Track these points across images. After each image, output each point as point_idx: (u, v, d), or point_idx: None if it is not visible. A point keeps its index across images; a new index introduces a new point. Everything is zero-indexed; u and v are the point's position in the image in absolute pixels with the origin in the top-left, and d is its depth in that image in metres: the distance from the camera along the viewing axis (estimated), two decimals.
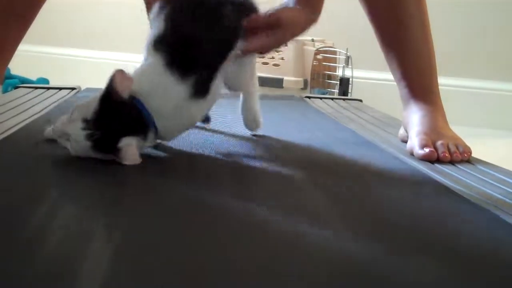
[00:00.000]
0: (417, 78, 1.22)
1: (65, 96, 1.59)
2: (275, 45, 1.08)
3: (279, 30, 1.04)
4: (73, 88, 1.72)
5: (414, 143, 1.11)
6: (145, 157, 0.91)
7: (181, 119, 0.95)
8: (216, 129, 1.20)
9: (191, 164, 0.97)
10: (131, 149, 0.87)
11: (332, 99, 1.91)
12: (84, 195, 0.79)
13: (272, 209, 0.74)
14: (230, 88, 1.09)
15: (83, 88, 1.76)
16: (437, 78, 1.22)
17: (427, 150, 1.07)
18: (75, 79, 2.07)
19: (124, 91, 0.86)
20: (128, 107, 0.87)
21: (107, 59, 2.92)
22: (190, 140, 1.08)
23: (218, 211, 0.72)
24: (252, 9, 1.03)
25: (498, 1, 2.56)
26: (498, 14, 2.57)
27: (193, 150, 1.03)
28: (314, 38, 2.43)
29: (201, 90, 0.93)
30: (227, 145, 1.09)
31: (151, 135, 0.91)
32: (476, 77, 2.61)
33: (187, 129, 1.02)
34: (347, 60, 2.31)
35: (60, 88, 1.71)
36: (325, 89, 2.37)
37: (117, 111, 0.87)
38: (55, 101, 1.48)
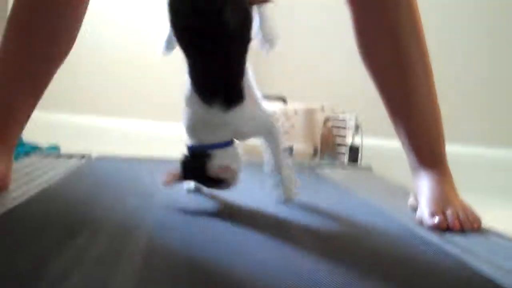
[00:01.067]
0: (425, 147, 1.22)
1: (75, 164, 1.60)
2: None
3: None
4: (83, 156, 1.73)
5: (424, 211, 1.10)
6: None
7: None
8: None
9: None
10: None
11: (342, 167, 1.91)
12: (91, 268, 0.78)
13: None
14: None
15: (93, 155, 1.77)
16: (444, 146, 1.22)
17: (437, 219, 1.07)
18: (86, 145, 2.09)
19: None
20: None
21: (117, 125, 2.94)
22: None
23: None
24: None
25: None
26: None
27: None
28: (324, 106, 2.44)
29: None
30: (232, 213, 1.09)
31: None
32: (486, 145, 2.60)
33: None
34: (357, 127, 2.32)
35: (71, 156, 1.72)
36: (335, 156, 2.38)
37: None
38: (65, 170, 1.49)
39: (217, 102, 1.05)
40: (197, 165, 1.05)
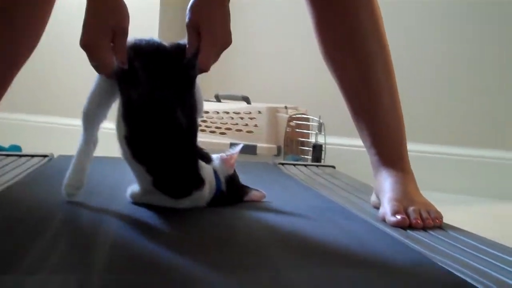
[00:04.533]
0: (387, 145, 1.24)
1: (37, 163, 1.58)
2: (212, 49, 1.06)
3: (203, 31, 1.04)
4: (45, 156, 1.71)
5: (386, 209, 1.12)
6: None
7: None
8: None
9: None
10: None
11: (305, 165, 1.92)
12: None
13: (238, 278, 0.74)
14: None
15: (56, 155, 1.75)
16: (406, 145, 1.24)
17: (399, 217, 1.08)
18: (48, 146, 2.06)
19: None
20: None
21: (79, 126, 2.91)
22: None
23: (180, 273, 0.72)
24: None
25: (467, 67, 2.62)
26: (471, 80, 2.62)
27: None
28: (287, 106, 2.46)
29: None
30: (193, 212, 1.09)
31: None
32: (446, 143, 2.64)
33: None
34: (320, 127, 2.33)
35: (33, 156, 1.71)
36: (298, 155, 2.39)
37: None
38: (27, 169, 1.47)
39: (185, 195, 1.08)
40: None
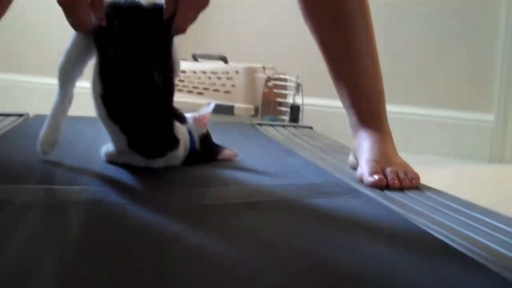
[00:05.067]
0: (366, 106, 1.24)
1: (12, 123, 1.57)
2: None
3: None
4: (21, 115, 1.70)
5: (364, 170, 1.12)
6: None
7: None
8: None
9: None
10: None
11: (283, 126, 1.92)
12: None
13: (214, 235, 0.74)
14: None
15: (31, 115, 1.74)
16: (385, 106, 1.24)
17: (376, 177, 1.09)
18: (24, 106, 2.04)
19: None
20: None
21: (56, 85, 2.88)
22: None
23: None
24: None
25: (456, 33, 2.62)
26: (444, 44, 2.63)
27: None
28: (265, 66, 2.45)
29: None
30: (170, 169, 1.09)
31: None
32: (424, 105, 2.66)
33: None
34: (298, 87, 2.33)
35: (8, 115, 1.69)
36: (276, 116, 2.39)
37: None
38: (2, 128, 1.46)
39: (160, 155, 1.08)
40: None
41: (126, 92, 1.02)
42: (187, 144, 1.13)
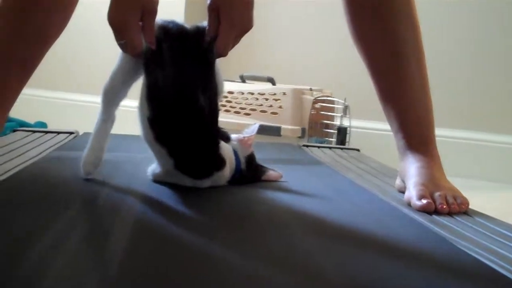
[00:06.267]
0: (415, 129, 1.22)
1: (62, 140, 1.59)
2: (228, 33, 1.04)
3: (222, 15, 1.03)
4: (71, 133, 1.72)
5: (412, 194, 1.11)
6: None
7: None
8: None
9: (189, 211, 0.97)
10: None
11: (329, 148, 1.91)
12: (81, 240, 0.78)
13: (262, 260, 0.73)
14: None
15: (81, 133, 1.76)
16: (434, 130, 1.22)
17: (425, 201, 1.07)
18: (74, 123, 2.07)
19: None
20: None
21: None
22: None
23: (210, 258, 0.72)
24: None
25: (497, 54, 2.59)
26: (496, 68, 2.59)
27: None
28: (313, 88, 2.44)
29: None
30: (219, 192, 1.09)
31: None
32: (474, 129, 2.62)
33: None
34: (345, 109, 2.32)
35: (58, 132, 1.72)
36: (323, 138, 2.38)
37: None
38: (52, 146, 1.48)
39: (206, 176, 1.09)
40: None
41: (172, 116, 1.03)
42: (233, 164, 1.13)
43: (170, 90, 1.02)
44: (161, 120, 1.04)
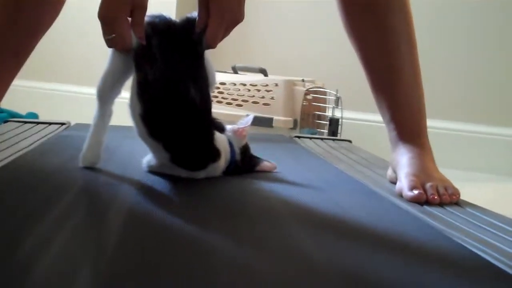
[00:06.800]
0: (406, 120, 1.23)
1: (54, 131, 1.59)
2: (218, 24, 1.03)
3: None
4: (62, 123, 1.72)
5: (404, 184, 1.11)
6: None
7: None
8: None
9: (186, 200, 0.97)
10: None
11: (321, 139, 1.92)
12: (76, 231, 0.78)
13: (257, 250, 0.74)
14: None
15: (72, 123, 1.76)
16: (425, 121, 1.23)
17: (416, 192, 1.08)
18: (65, 114, 2.07)
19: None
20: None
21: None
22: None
23: (205, 246, 0.72)
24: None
25: (492, 47, 2.59)
26: (490, 60, 2.60)
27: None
28: (305, 79, 2.44)
29: None
30: (215, 183, 1.09)
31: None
32: (466, 121, 2.62)
33: None
34: (337, 101, 2.32)
35: (50, 123, 1.71)
36: (315, 129, 2.38)
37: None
38: (44, 136, 1.48)
39: (201, 168, 1.10)
40: None
41: (164, 111, 1.03)
42: (228, 155, 1.14)
43: (159, 85, 1.02)
44: (153, 115, 1.04)
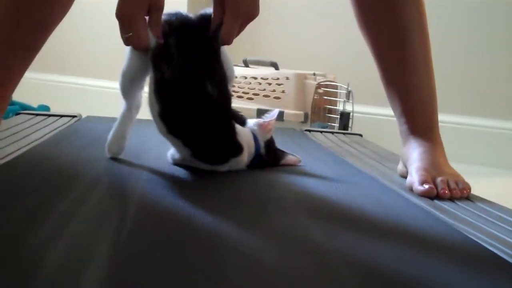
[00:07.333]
0: (418, 114, 1.22)
1: (65, 123, 1.60)
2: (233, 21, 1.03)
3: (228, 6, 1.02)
4: (73, 116, 1.73)
5: (414, 179, 1.11)
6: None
7: None
8: None
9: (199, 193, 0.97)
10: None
11: (332, 133, 1.92)
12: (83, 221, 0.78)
13: (267, 241, 0.74)
14: None
15: (84, 116, 1.76)
16: (437, 115, 1.22)
17: (426, 186, 1.07)
18: (76, 107, 2.08)
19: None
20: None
21: (108, 88, 2.93)
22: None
23: (216, 236, 0.72)
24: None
25: (503, 42, 2.58)
26: (499, 54, 2.58)
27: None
28: (316, 72, 2.44)
29: None
30: (226, 175, 1.09)
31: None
32: (476, 115, 2.61)
33: None
34: (348, 94, 2.32)
35: (61, 116, 1.72)
36: (326, 123, 2.38)
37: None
38: (55, 128, 1.48)
39: (223, 162, 1.11)
40: None
41: (182, 108, 1.03)
42: (252, 149, 1.15)
43: (176, 82, 1.03)
44: (171, 113, 1.04)
